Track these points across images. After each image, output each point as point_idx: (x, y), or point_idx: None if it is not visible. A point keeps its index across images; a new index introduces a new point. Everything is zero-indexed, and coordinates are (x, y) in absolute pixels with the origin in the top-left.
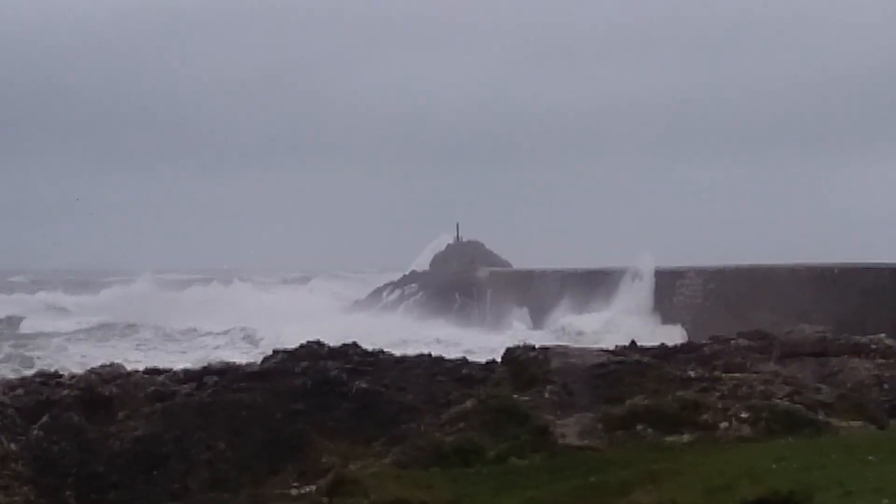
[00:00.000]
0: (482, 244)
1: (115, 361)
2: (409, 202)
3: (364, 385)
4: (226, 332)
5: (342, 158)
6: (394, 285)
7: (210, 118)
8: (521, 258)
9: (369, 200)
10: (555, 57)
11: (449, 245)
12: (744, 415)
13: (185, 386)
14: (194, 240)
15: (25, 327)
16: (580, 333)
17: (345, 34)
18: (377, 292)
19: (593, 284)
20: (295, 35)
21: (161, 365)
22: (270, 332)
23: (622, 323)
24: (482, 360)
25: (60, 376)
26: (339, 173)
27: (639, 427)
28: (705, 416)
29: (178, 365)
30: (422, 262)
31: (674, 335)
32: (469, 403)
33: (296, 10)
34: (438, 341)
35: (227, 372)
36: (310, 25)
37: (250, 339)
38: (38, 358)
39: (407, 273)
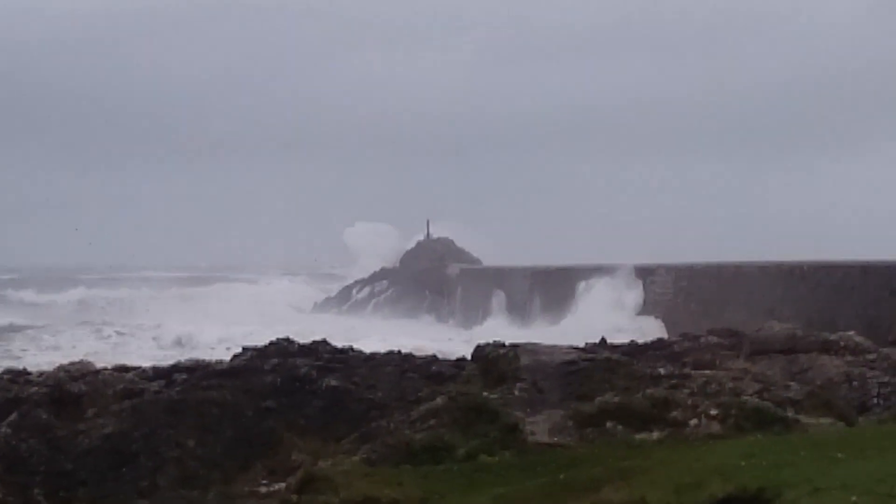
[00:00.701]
0: (452, 241)
1: (85, 359)
2: (380, 199)
3: (334, 382)
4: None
5: (313, 156)
6: (363, 283)
7: (183, 116)
8: (492, 255)
9: (340, 197)
10: (529, 55)
11: (419, 242)
12: (713, 412)
13: (154, 383)
14: (172, 238)
15: None
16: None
17: (320, 32)
18: (347, 289)
19: (563, 281)
20: (270, 33)
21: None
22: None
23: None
24: (452, 357)
25: (29, 374)
26: (310, 170)
27: (609, 424)
28: (675, 414)
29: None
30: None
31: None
32: (439, 401)
33: (270, 9)
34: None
35: (196, 369)
36: (285, 23)
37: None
38: None
39: (377, 270)
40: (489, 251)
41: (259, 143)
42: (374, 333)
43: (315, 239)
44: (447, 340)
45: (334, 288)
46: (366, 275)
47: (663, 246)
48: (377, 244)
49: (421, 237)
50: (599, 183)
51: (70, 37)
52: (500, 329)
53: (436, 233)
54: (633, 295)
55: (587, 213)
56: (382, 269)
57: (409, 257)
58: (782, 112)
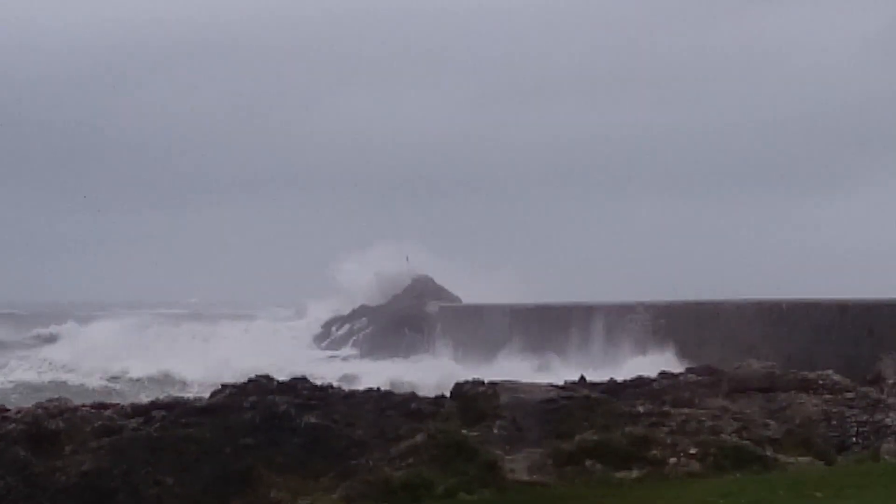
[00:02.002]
0: (432, 279)
1: (62, 396)
2: (360, 237)
3: (313, 420)
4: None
5: (299, 194)
6: (343, 320)
7: (168, 153)
8: (472, 293)
9: (320, 235)
10: (514, 95)
11: (397, 280)
12: (692, 450)
13: (132, 420)
14: (159, 275)
15: None
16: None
17: (311, 71)
18: (326, 326)
19: (543, 319)
20: (260, 71)
21: None
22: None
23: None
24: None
25: (7, 410)
26: (292, 209)
27: (588, 462)
28: (654, 452)
29: None
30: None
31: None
32: (418, 438)
33: (260, 47)
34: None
35: (175, 406)
36: (275, 61)
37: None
38: None
39: (356, 307)
40: (469, 289)
41: (243, 181)
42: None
43: (298, 275)
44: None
45: (313, 326)
46: (345, 311)
47: (642, 283)
48: (366, 280)
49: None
50: (579, 222)
51: (58, 75)
52: (515, 367)
53: (414, 271)
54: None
55: (566, 252)
56: (362, 307)
57: (389, 295)
58: (760, 152)
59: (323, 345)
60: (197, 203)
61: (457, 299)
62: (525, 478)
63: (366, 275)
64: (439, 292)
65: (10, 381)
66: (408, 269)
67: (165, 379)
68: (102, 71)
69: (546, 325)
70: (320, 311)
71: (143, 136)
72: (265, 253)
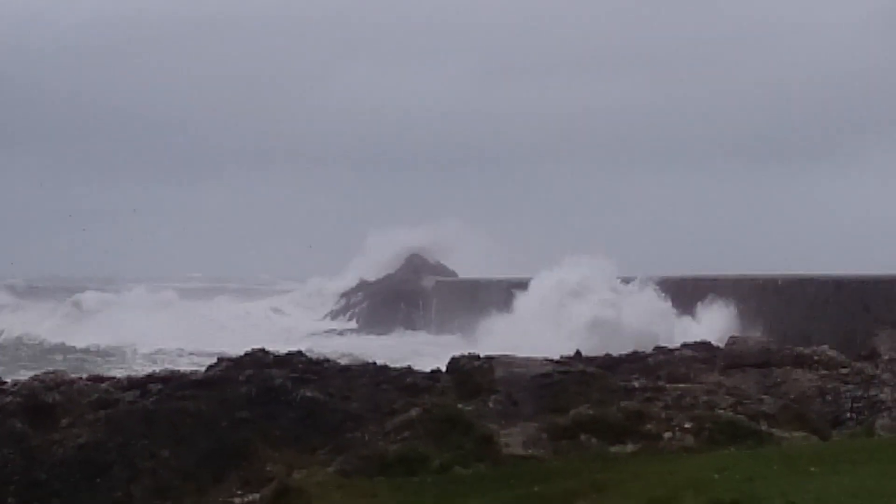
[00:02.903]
0: (427, 256)
1: (59, 369)
2: (359, 211)
3: (309, 393)
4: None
5: (301, 168)
6: (345, 295)
7: (174, 127)
8: (470, 268)
9: (319, 210)
10: (524, 71)
11: (395, 254)
12: (687, 425)
13: (128, 393)
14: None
15: None
16: None
17: (314, 45)
18: (334, 298)
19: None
20: (266, 45)
21: None
22: None
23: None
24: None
25: (4, 383)
26: (295, 183)
27: (583, 437)
28: (649, 427)
29: None
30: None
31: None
32: (414, 412)
33: (263, 20)
34: None
35: (171, 380)
36: (282, 35)
37: None
38: None
39: (356, 284)
40: (469, 264)
41: (252, 155)
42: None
43: (304, 250)
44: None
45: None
46: (351, 285)
47: (640, 257)
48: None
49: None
50: (579, 195)
51: (62, 48)
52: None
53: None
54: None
55: (568, 225)
56: (362, 282)
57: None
58: (757, 127)
59: (327, 318)
60: (201, 178)
61: (453, 274)
62: (520, 452)
63: (375, 251)
64: (435, 266)
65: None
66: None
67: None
68: (108, 43)
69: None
70: (327, 286)
71: (148, 110)
72: (271, 228)
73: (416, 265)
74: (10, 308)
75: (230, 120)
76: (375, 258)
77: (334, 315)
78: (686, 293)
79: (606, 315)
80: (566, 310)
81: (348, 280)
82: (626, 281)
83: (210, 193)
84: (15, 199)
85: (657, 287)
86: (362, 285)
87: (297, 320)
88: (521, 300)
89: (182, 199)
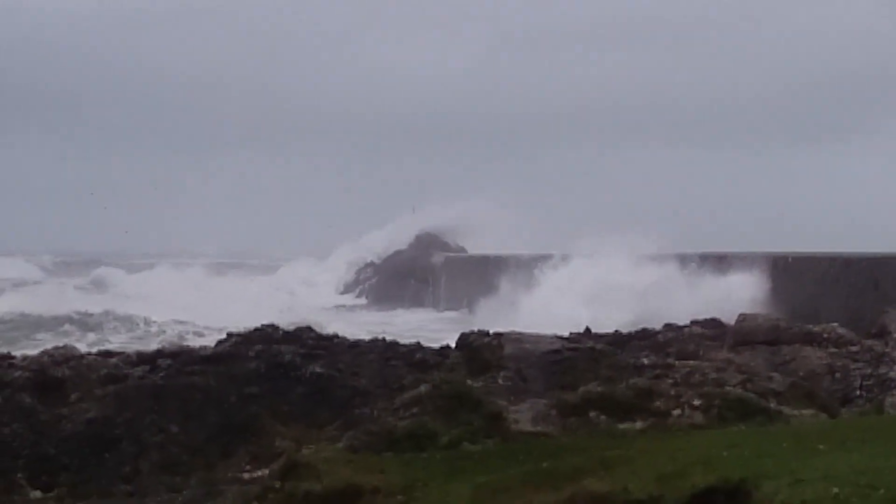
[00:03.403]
0: (437, 233)
1: (69, 343)
2: (370, 188)
3: (318, 369)
4: None
5: (312, 145)
6: (358, 271)
7: (192, 102)
8: (481, 244)
9: (330, 186)
10: (539, 45)
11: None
12: (696, 402)
13: (137, 368)
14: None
15: None
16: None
17: (323, 20)
18: (349, 273)
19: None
20: (280, 19)
21: None
22: None
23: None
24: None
25: (13, 357)
26: (306, 159)
27: (592, 414)
28: (658, 404)
29: None
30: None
31: None
32: (423, 388)
33: None
34: None
35: (180, 355)
36: (295, 9)
37: None
38: None
39: (368, 261)
40: (482, 239)
41: (266, 131)
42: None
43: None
44: None
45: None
46: (365, 261)
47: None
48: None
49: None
50: (594, 172)
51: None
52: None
53: (421, 221)
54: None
55: (583, 203)
56: (372, 259)
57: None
58: (771, 104)
59: (340, 294)
60: (218, 153)
61: (462, 250)
62: (529, 428)
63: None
64: (445, 245)
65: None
66: (413, 224)
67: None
68: (127, 17)
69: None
70: (341, 262)
71: (163, 82)
72: (283, 202)
73: (426, 242)
74: (37, 283)
75: (248, 95)
76: (391, 237)
77: (345, 290)
78: (705, 268)
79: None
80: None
81: (361, 256)
82: (653, 257)
83: (227, 169)
84: (38, 175)
85: (681, 262)
86: (373, 262)
87: (307, 296)
88: (548, 276)
89: (199, 175)
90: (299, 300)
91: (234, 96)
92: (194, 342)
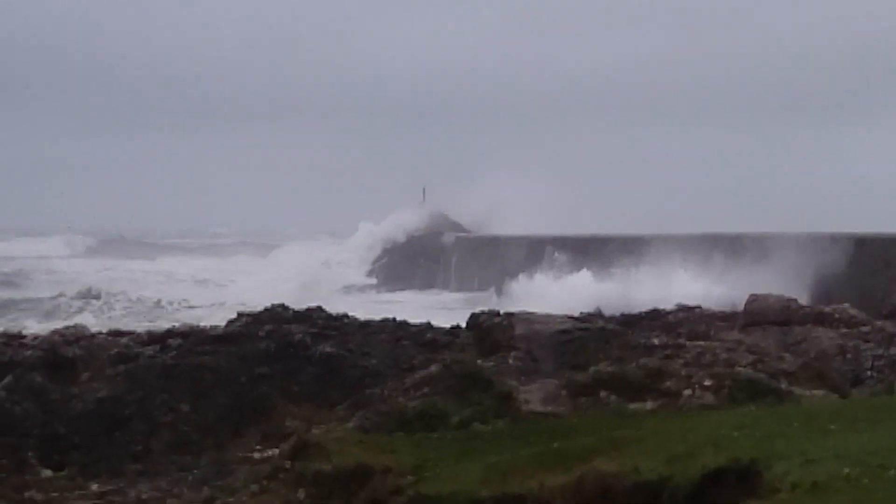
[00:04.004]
0: (447, 213)
1: (79, 323)
2: (379, 166)
3: (328, 349)
4: None
5: (321, 122)
6: (369, 250)
7: (193, 80)
8: (490, 224)
9: (340, 164)
10: (548, 24)
11: (414, 209)
12: (707, 383)
13: (148, 348)
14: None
15: None
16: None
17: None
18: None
19: (559, 250)
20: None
21: None
22: None
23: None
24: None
25: (24, 337)
26: (315, 137)
27: (602, 394)
28: (669, 384)
29: None
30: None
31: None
32: (433, 368)
33: None
34: None
35: (191, 335)
36: None
37: None
38: None
39: (379, 240)
40: (489, 219)
41: (286, 110)
42: None
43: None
44: None
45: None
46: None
47: (663, 215)
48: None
49: (416, 205)
50: (606, 152)
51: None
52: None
53: (432, 201)
54: None
55: (593, 182)
56: (383, 239)
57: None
58: (781, 82)
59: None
60: (224, 130)
61: (474, 231)
62: (539, 408)
63: (387, 205)
64: (454, 225)
65: None
66: (424, 200)
67: None
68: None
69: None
70: (360, 241)
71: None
72: (295, 181)
73: (437, 224)
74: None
75: (263, 72)
76: (406, 217)
77: (357, 270)
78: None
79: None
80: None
81: (378, 236)
82: (642, 240)
83: (241, 146)
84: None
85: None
86: (385, 241)
87: (326, 277)
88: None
89: (213, 152)
90: (319, 279)
91: (251, 74)
92: None
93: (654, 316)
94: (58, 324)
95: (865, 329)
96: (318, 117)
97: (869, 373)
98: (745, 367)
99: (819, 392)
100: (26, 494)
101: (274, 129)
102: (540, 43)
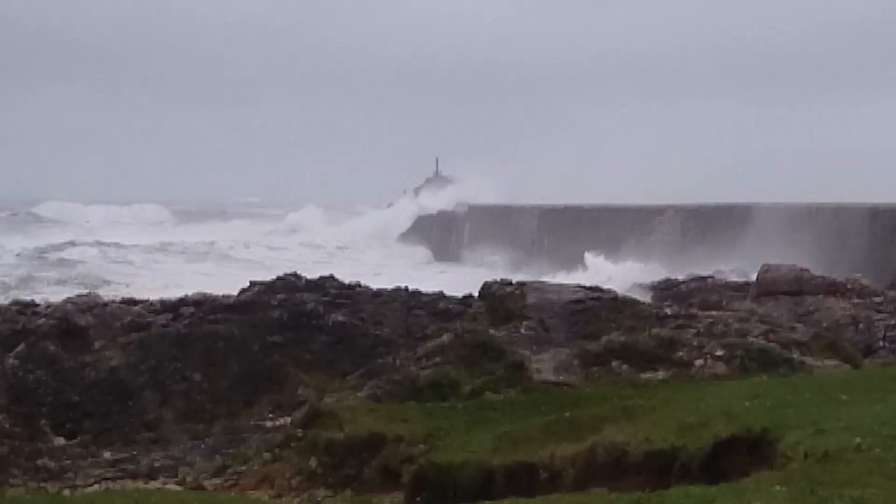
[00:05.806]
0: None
1: (92, 291)
2: (397, 139)
3: (341, 318)
4: None
5: (341, 96)
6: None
7: (214, 54)
8: (503, 194)
9: (359, 137)
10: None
11: (428, 179)
12: (719, 353)
13: (161, 316)
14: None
15: None
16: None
17: None
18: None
19: (574, 220)
20: None
21: None
22: None
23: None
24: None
25: (37, 305)
26: (335, 110)
27: (614, 363)
28: (681, 354)
29: None
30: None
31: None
32: (445, 338)
33: None
34: None
35: (203, 303)
36: None
37: None
38: None
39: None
40: (501, 190)
41: (299, 83)
42: None
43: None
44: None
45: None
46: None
47: (673, 186)
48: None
49: (430, 175)
50: (613, 124)
51: None
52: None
53: (445, 172)
54: None
55: (598, 154)
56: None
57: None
58: (798, 57)
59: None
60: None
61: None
62: (551, 378)
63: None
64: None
65: None
66: (437, 170)
67: None
68: None
69: (577, 226)
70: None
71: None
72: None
73: (454, 197)
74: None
75: (288, 43)
76: (427, 193)
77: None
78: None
79: None
80: None
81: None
82: (657, 210)
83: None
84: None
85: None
86: (417, 215)
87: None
88: None
89: (249, 123)
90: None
91: (278, 46)
92: None
93: (667, 286)
94: None
95: (878, 299)
96: (326, 91)
97: (881, 343)
98: (757, 337)
99: (831, 362)
100: (39, 462)
101: (317, 98)
102: (565, 17)
